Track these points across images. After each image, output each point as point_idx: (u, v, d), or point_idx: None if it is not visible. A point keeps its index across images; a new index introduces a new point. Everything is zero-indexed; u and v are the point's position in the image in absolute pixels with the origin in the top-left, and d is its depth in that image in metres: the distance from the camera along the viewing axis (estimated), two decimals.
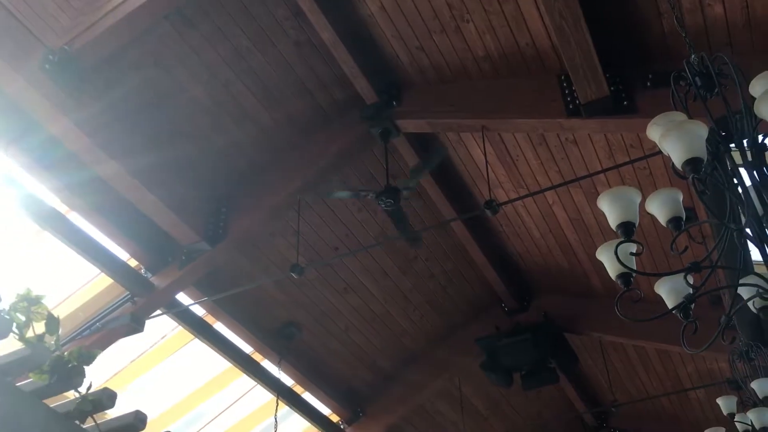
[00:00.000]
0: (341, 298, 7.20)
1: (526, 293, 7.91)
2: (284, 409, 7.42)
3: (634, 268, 2.48)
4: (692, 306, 2.63)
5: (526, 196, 6.09)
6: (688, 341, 2.70)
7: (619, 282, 2.55)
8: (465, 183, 6.71)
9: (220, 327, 6.72)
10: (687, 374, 8.21)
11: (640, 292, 2.51)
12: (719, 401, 4.93)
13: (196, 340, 6.61)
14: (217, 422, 7.29)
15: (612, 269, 2.56)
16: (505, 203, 5.91)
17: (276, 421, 6.72)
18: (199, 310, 6.54)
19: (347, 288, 7.15)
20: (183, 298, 6.22)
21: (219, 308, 6.48)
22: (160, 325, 6.44)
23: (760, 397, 4.65)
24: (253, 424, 7.56)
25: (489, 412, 9.11)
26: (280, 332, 7.02)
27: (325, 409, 7.92)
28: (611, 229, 2.57)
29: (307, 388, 7.61)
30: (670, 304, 2.70)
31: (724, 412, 4.90)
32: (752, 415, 4.58)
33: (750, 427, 4.67)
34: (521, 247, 7.41)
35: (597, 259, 2.69)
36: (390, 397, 8.08)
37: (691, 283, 2.46)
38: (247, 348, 6.98)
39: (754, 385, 4.68)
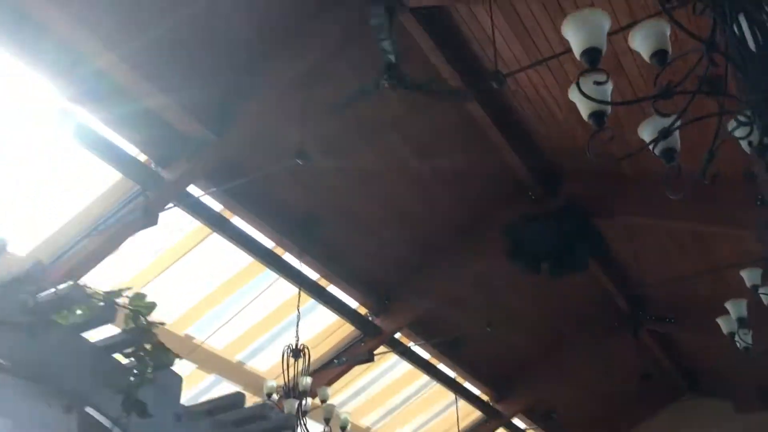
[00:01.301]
0: (361, 188, 7.07)
1: (552, 178, 7.64)
2: (310, 302, 7.48)
3: (608, 100, 2.25)
4: (677, 147, 2.41)
5: (539, 62, 5.73)
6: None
7: (591, 121, 2.33)
8: (480, 63, 6.38)
9: (238, 222, 6.64)
10: (723, 257, 7.93)
11: (612, 130, 2.29)
12: (743, 273, 4.71)
13: (215, 235, 6.58)
14: (240, 317, 7.32)
15: (583, 108, 2.33)
16: (515, 73, 5.57)
17: (299, 313, 6.71)
18: (216, 206, 6.45)
19: (366, 178, 7.01)
20: (196, 192, 6.18)
21: (236, 202, 6.40)
22: (177, 221, 6.40)
23: None
24: (279, 318, 7.61)
25: (519, 303, 9.06)
26: (301, 226, 6.91)
27: (352, 302, 7.91)
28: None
29: (331, 281, 7.56)
30: (654, 149, 2.47)
31: (747, 284, 4.69)
32: None
33: None
34: (544, 130, 7.10)
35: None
36: (417, 289, 8.02)
37: (665, 113, 2.22)
38: (267, 242, 6.92)
39: None
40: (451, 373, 9.26)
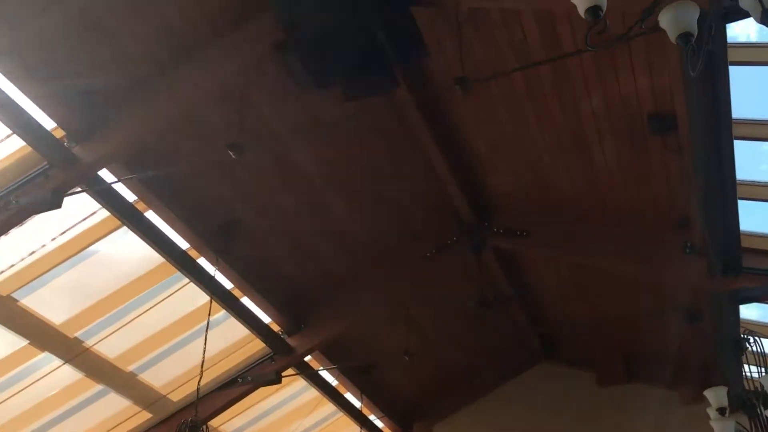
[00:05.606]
0: (290, 195, 6.27)
1: None
2: (221, 313, 6.73)
3: None
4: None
5: None
6: None
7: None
8: None
9: (151, 216, 5.79)
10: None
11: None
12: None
13: (124, 230, 5.67)
14: (141, 321, 6.42)
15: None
16: None
17: (208, 324, 5.94)
18: (129, 196, 5.59)
19: (297, 184, 6.18)
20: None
21: (152, 195, 5.55)
22: (82, 208, 5.45)
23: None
24: (182, 329, 6.77)
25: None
26: (221, 228, 6.13)
27: (265, 317, 7.12)
28: None
29: (246, 293, 6.75)
30: None
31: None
32: None
33: None
34: None
35: None
36: (333, 309, 7.27)
37: None
38: (182, 243, 6.10)
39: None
40: None
